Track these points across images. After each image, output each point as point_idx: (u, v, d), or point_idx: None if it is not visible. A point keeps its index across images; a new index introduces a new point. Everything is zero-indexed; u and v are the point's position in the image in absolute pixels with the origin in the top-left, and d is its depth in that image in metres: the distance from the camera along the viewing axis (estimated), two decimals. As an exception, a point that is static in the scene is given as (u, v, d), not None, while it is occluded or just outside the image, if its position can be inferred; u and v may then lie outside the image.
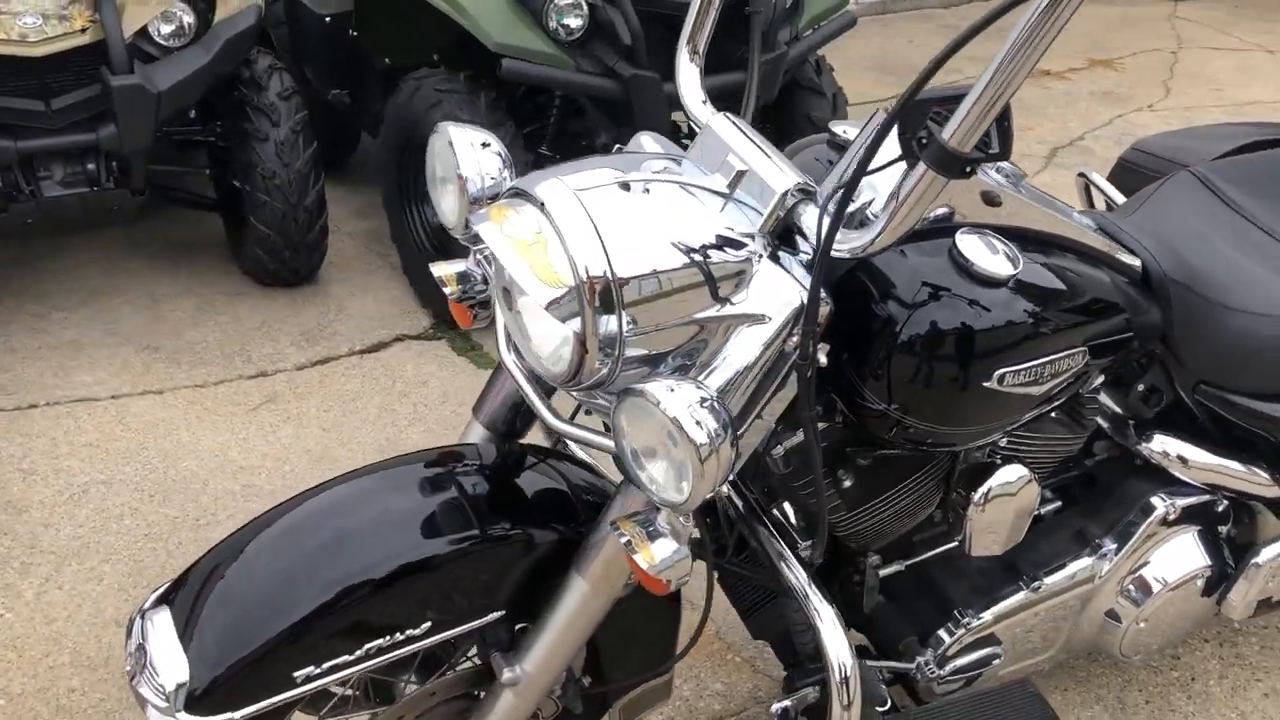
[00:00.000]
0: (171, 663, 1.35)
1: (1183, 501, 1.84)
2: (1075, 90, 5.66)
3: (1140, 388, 1.82)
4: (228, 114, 3.35)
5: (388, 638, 1.41)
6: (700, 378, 1.28)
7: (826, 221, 1.23)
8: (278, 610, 1.36)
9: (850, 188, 1.20)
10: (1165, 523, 1.83)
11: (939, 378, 1.39)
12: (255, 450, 2.84)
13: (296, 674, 1.37)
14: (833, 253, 1.25)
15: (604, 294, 1.22)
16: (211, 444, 2.86)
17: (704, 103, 1.51)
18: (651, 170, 1.36)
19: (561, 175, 1.29)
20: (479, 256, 1.54)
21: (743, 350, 1.30)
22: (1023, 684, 1.82)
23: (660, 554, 1.28)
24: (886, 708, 1.69)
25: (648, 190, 1.30)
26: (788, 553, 1.50)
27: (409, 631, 1.42)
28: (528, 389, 1.46)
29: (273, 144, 3.25)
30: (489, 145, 1.46)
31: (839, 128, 1.54)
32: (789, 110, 3.48)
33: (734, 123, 1.40)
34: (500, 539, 1.45)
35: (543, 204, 1.25)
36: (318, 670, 1.38)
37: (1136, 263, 1.67)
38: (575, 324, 1.23)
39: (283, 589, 1.39)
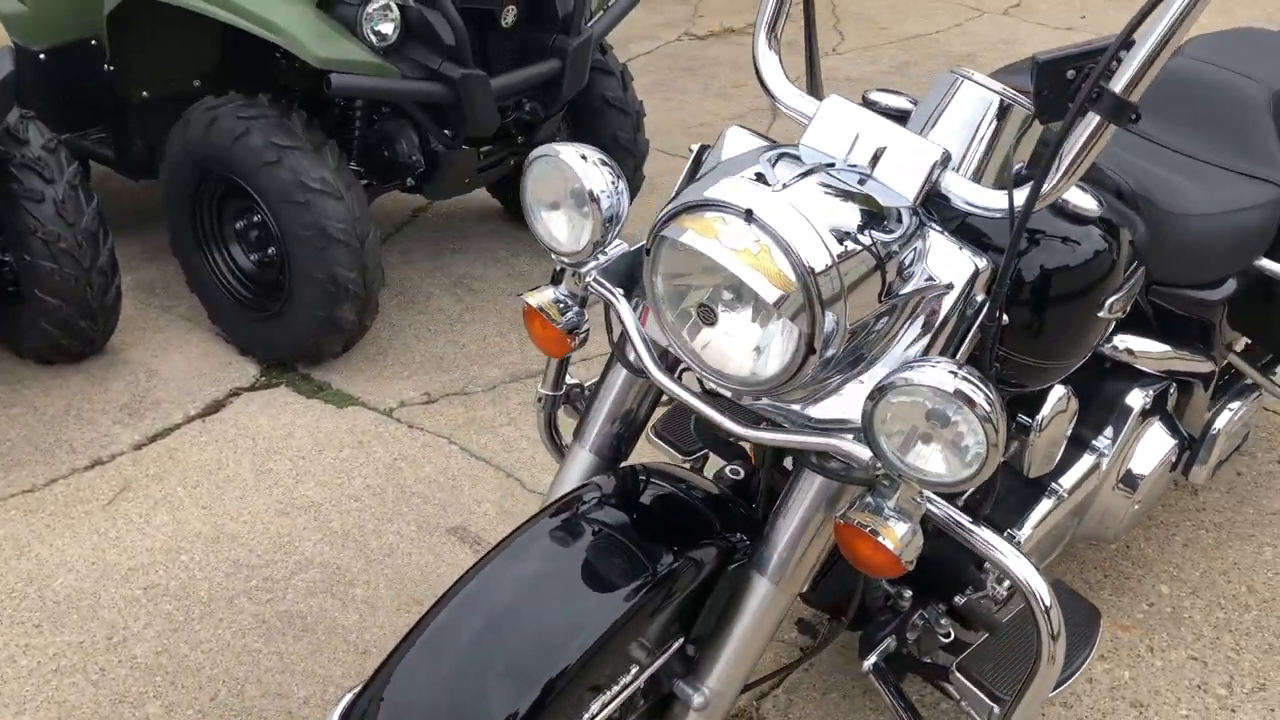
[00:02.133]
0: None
1: (1151, 391, 2.06)
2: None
3: (1113, 297, 2.02)
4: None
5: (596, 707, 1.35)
6: (894, 358, 1.30)
7: (1019, 193, 1.28)
8: (517, 687, 1.26)
9: (1053, 154, 1.25)
10: (1143, 414, 2.05)
11: (1061, 313, 1.48)
12: (136, 547, 2.51)
13: None
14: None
15: (828, 290, 1.21)
16: (79, 552, 2.50)
17: (791, 85, 1.50)
18: (786, 164, 1.35)
19: (736, 183, 1.26)
20: (597, 283, 1.45)
21: (929, 321, 1.33)
22: (1058, 583, 1.98)
23: (902, 534, 1.29)
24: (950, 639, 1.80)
25: (818, 184, 1.29)
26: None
27: (610, 692, 1.36)
28: (704, 408, 1.40)
29: (50, 203, 2.84)
30: (604, 161, 1.39)
31: (878, 96, 1.58)
32: (585, 92, 3.47)
33: (850, 102, 1.42)
34: (670, 573, 1.40)
35: (749, 211, 1.22)
36: None
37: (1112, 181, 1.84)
38: (803, 322, 1.22)
39: (486, 705, 1.27)
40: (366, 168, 3.26)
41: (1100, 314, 1.53)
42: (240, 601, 2.38)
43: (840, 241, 1.23)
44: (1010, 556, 1.46)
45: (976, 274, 1.33)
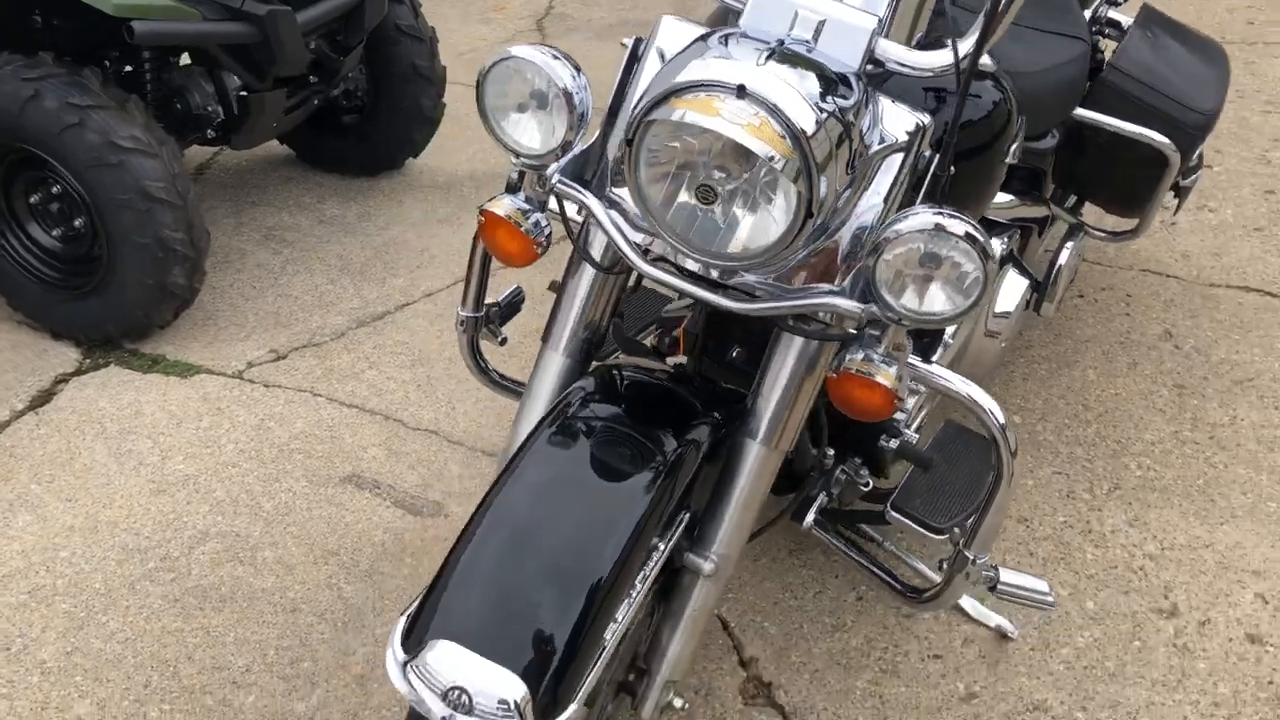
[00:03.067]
0: (500, 683, 1.23)
1: (1005, 239, 2.28)
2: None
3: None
4: None
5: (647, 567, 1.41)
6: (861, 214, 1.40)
7: (962, 44, 1.38)
8: (564, 591, 1.30)
9: (994, 16, 1.35)
10: (1001, 261, 2.26)
11: (977, 163, 1.62)
12: (5, 553, 2.32)
13: (605, 634, 1.32)
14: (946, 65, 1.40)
15: (820, 153, 1.29)
16: (-60, 569, 2.29)
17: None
18: (741, 44, 1.40)
19: (718, 63, 1.30)
20: (563, 184, 1.46)
21: (888, 177, 1.43)
22: (949, 423, 2.18)
23: (895, 375, 1.40)
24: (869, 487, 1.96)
25: (782, 59, 1.35)
26: None
27: (640, 579, 1.43)
28: (697, 290, 1.44)
29: None
30: (567, 57, 1.40)
31: None
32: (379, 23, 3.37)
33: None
34: (678, 458, 1.45)
35: (742, 87, 1.27)
36: (617, 622, 1.35)
37: None
38: (803, 185, 1.28)
39: (538, 615, 1.31)
40: (161, 119, 3.05)
41: (1004, 161, 1.68)
42: (143, 585, 2.26)
43: (819, 110, 1.31)
44: (971, 388, 1.60)
45: (921, 130, 1.44)
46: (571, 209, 1.55)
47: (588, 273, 1.59)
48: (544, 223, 1.52)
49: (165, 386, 2.83)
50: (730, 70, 1.29)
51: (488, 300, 1.96)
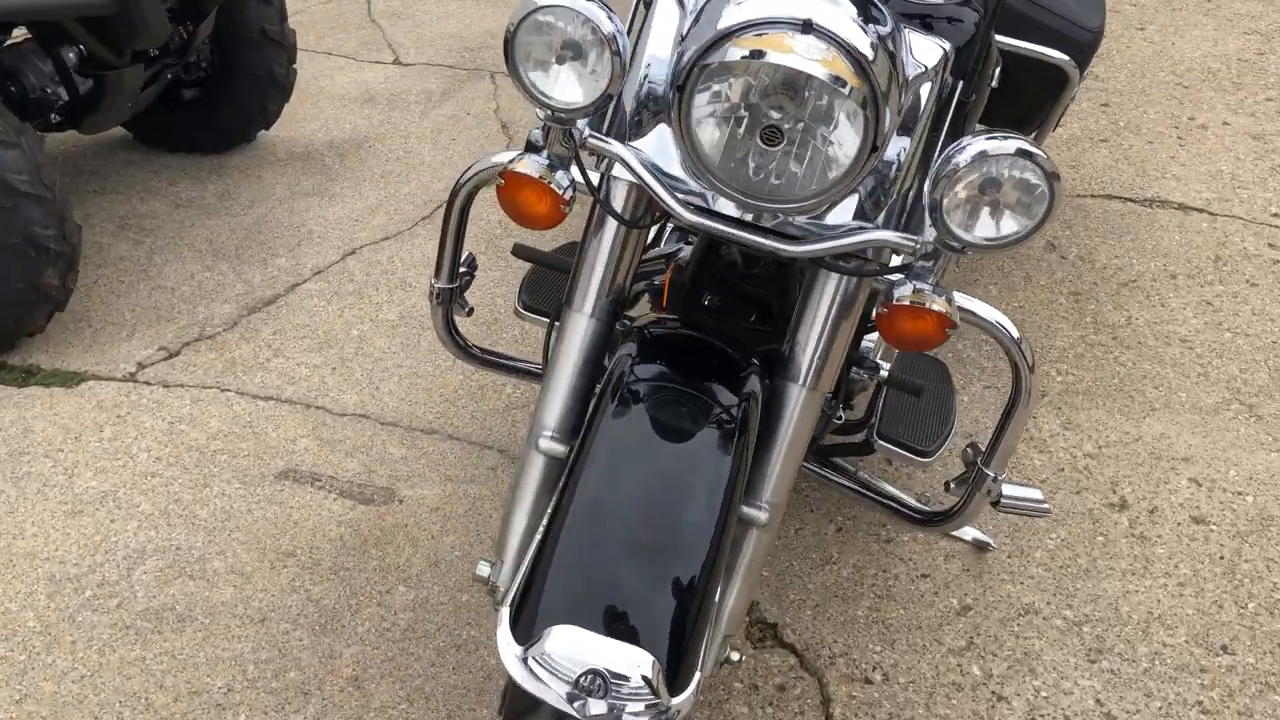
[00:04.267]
0: (631, 660, 1.19)
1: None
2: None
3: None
4: None
5: None
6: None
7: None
8: (670, 562, 1.27)
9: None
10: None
11: (972, 86, 1.64)
12: (-88, 602, 2.08)
13: (715, 598, 1.29)
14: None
15: (883, 83, 1.27)
16: None
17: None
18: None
19: (767, 4, 1.26)
20: (594, 137, 1.39)
21: (924, 105, 1.43)
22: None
23: (947, 300, 1.41)
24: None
25: None
26: None
27: None
28: (747, 236, 1.40)
29: None
30: (603, 3, 1.32)
31: None
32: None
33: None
34: (744, 414, 1.42)
35: (808, 22, 1.23)
36: (720, 596, 1.32)
37: None
38: (871, 114, 1.26)
39: (653, 554, 1.28)
40: (10, 104, 2.76)
41: (990, 85, 1.71)
42: (85, 616, 2.06)
43: (876, 39, 1.29)
44: (985, 308, 1.63)
45: (946, 58, 1.45)
46: (589, 161, 1.48)
47: (609, 230, 1.53)
48: (569, 180, 1.45)
49: (50, 399, 2.57)
50: (789, 6, 1.25)
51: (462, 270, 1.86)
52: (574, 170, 1.44)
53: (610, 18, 1.33)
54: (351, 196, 3.40)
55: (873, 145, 1.29)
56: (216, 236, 3.19)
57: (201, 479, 2.37)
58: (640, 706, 1.17)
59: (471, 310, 1.93)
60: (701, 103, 1.30)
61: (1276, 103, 3.89)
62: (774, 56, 1.23)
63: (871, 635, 2.05)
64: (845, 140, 1.29)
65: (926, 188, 1.32)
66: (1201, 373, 2.69)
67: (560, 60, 1.34)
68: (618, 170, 1.49)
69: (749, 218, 1.42)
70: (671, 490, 1.32)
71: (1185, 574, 2.17)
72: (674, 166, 1.43)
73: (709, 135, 1.31)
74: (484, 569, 1.65)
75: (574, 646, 1.20)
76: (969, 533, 2.21)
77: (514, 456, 2.44)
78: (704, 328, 1.61)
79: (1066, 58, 2.46)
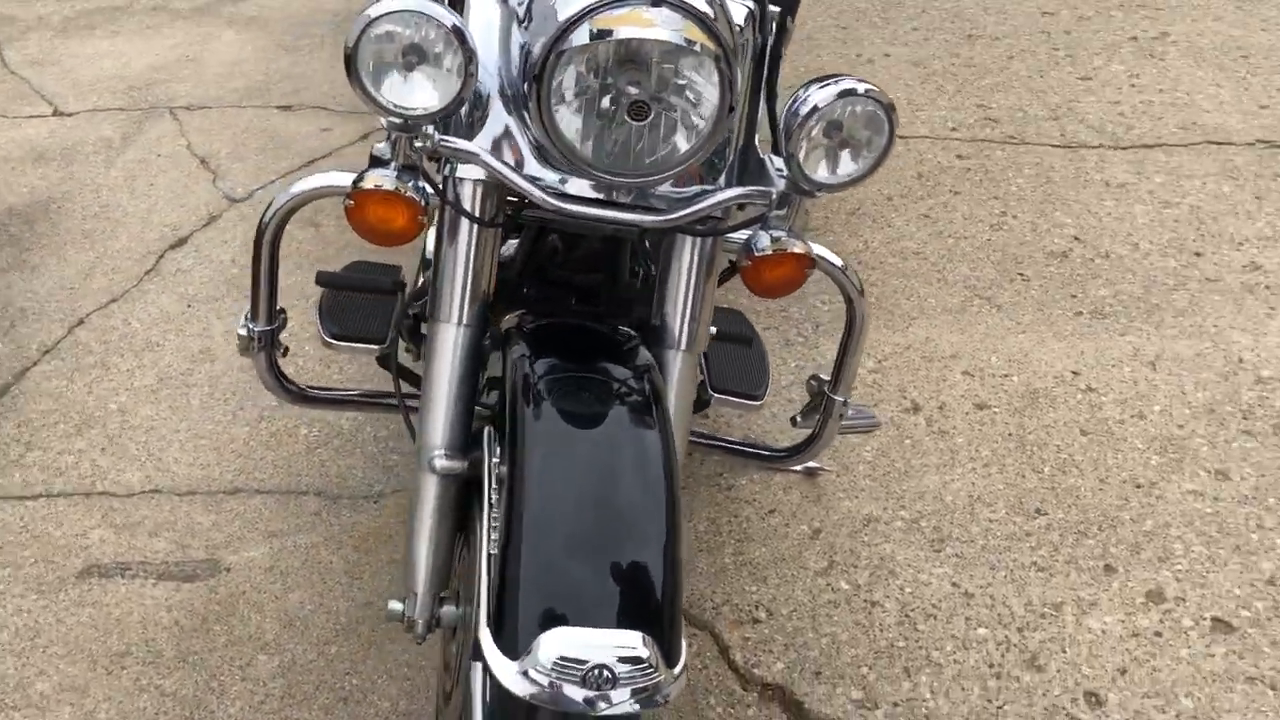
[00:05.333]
0: (628, 644, 1.19)
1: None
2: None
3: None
4: None
5: None
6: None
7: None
8: (638, 541, 1.27)
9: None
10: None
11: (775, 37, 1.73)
12: None
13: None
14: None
15: (730, 42, 1.33)
16: None
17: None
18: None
19: None
20: (444, 142, 1.35)
21: (746, 63, 1.50)
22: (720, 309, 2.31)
23: (804, 242, 1.49)
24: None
25: None
26: None
27: None
28: (611, 213, 1.41)
29: None
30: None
31: None
32: None
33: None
34: (652, 387, 1.44)
35: (661, -3, 1.26)
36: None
37: None
38: (725, 76, 1.31)
39: (620, 538, 1.27)
40: None
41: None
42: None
43: (715, 6, 1.34)
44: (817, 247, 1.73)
45: (753, 16, 1.52)
46: (430, 169, 1.45)
47: (464, 235, 1.49)
48: (423, 189, 1.40)
49: None
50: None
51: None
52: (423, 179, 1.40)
53: (450, 12, 1.30)
54: (56, 264, 3.09)
55: (730, 104, 1.34)
56: (-92, 336, 2.82)
57: (-12, 601, 2.10)
58: (651, 684, 1.18)
59: (286, 350, 1.83)
60: (560, 89, 1.30)
61: (921, 30, 4.30)
62: (632, 30, 1.25)
63: (744, 578, 2.13)
64: (707, 100, 1.33)
65: (782, 141, 1.39)
66: (940, 278, 2.96)
67: (409, 67, 1.30)
68: (463, 171, 1.47)
69: (602, 197, 1.44)
70: (615, 474, 1.32)
71: (986, 455, 2.40)
72: (519, 159, 1.43)
73: (571, 121, 1.32)
74: (396, 606, 1.58)
75: (570, 644, 1.17)
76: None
77: (333, 497, 2.33)
78: (570, 314, 1.61)
79: (778, 8, 2.62)
